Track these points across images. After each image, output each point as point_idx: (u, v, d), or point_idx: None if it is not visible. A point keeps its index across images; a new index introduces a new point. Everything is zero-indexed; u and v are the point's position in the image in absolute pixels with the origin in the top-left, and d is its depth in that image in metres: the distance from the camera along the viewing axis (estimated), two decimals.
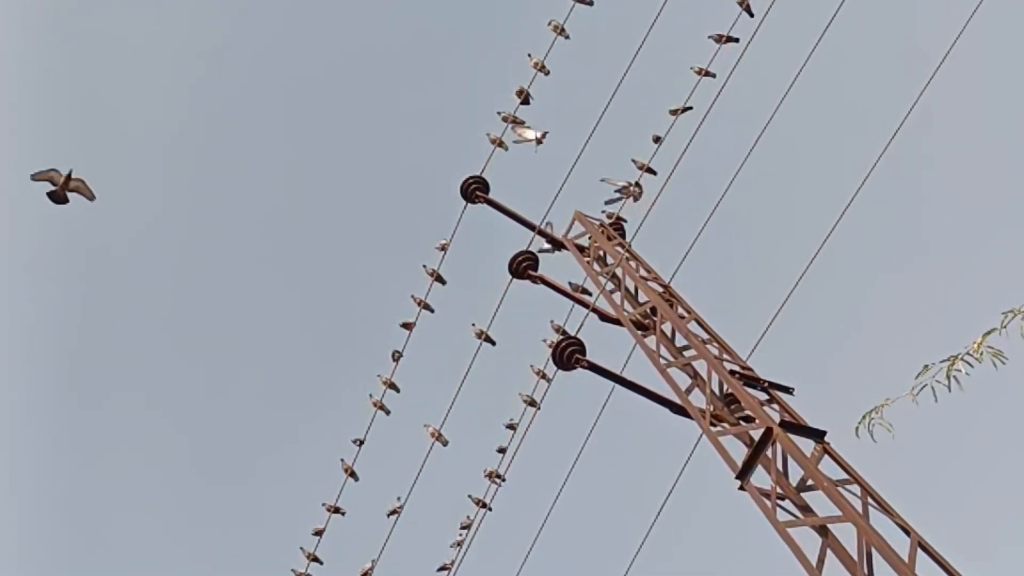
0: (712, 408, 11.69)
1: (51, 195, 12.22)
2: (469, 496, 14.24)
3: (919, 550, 9.82)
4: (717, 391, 11.95)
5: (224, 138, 29.52)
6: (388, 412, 15.01)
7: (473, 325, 14.34)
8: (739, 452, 11.14)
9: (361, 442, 15.16)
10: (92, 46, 28.40)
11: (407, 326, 15.01)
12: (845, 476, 10.77)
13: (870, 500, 10.43)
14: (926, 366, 5.76)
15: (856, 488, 10.58)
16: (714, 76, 13.13)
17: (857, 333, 22.95)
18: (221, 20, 29.52)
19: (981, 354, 5.60)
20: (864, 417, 5.92)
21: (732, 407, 11.83)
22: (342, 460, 15.18)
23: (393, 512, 14.69)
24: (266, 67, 29.87)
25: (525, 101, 14.25)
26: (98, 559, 26.44)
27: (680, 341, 12.73)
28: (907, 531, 10.09)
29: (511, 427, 14.00)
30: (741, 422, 11.57)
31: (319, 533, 15.25)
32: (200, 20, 29.17)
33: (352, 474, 15.16)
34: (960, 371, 5.63)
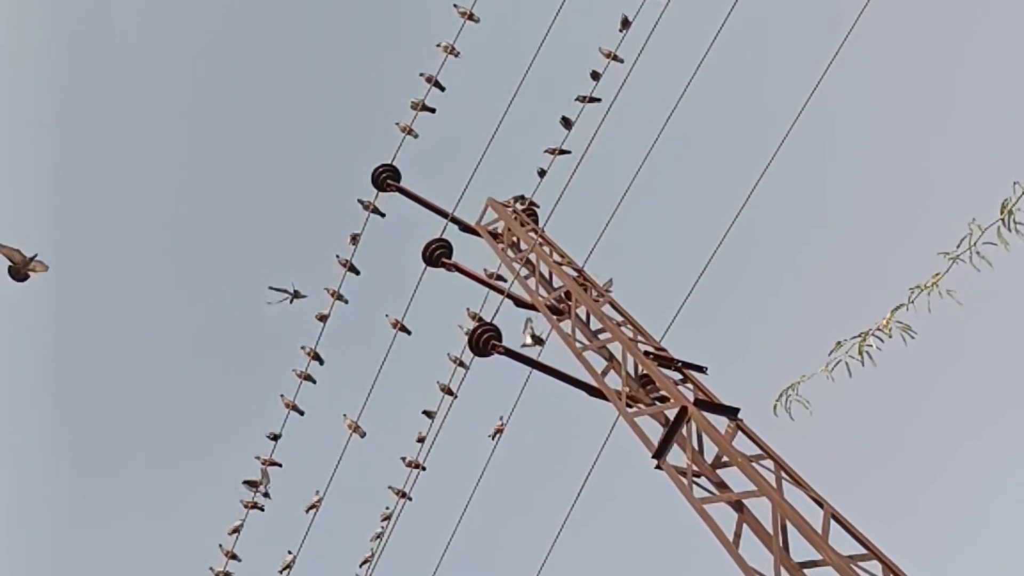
0: (628, 389, 11.80)
1: (11, 272, 13.09)
2: (390, 487, 14.20)
3: (832, 522, 10.04)
4: (632, 372, 12.07)
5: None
6: (302, 413, 14.87)
7: (387, 316, 14.27)
8: (655, 432, 11.29)
9: (277, 436, 14.99)
10: None
11: (322, 318, 14.88)
12: (759, 452, 10.96)
13: (784, 475, 10.62)
14: (839, 342, 5.90)
15: (770, 463, 10.77)
16: (622, 61, 13.27)
17: (770, 312, 23.37)
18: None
19: (890, 329, 5.76)
20: (781, 395, 6.04)
21: (647, 388, 11.96)
22: (258, 457, 14.98)
23: (312, 507, 14.56)
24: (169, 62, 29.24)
25: (437, 86, 14.26)
26: None
27: (595, 324, 12.83)
28: (820, 503, 10.28)
29: (428, 415, 13.97)
30: (656, 402, 11.71)
31: (237, 531, 15.05)
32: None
33: (273, 463, 15.02)
34: (871, 346, 5.79)
